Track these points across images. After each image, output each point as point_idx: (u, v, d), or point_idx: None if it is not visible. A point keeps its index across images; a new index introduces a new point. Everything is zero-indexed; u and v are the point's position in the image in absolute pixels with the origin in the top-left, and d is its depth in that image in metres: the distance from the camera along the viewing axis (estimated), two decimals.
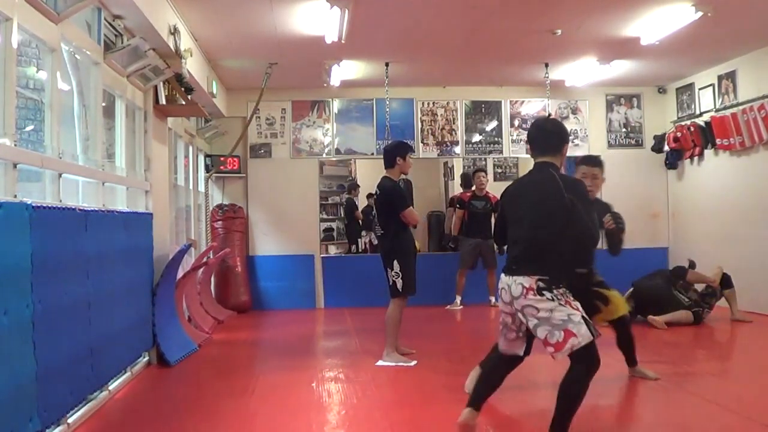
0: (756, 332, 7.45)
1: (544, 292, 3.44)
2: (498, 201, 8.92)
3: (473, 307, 9.42)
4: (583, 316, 3.44)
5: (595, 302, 4.51)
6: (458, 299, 9.43)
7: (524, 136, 10.33)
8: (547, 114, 9.81)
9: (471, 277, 9.54)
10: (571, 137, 10.20)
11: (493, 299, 9.32)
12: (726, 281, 7.83)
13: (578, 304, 3.51)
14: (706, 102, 9.37)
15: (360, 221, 12.19)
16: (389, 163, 6.01)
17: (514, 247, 3.67)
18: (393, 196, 5.89)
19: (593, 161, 5.19)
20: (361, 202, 12.27)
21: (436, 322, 8.44)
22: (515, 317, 3.59)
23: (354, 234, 12.35)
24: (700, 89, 9.50)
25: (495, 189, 11.88)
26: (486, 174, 9.35)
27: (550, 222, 3.55)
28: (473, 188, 9.57)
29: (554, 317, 3.41)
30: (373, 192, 6.32)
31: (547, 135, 3.78)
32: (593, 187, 4.96)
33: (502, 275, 3.62)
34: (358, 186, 12.25)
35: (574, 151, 10.45)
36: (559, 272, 3.52)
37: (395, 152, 6.02)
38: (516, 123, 10.34)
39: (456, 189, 11.28)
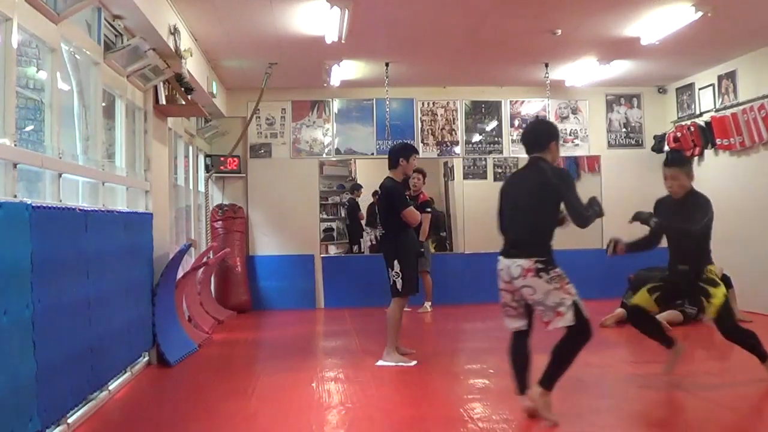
0: (757, 332, 7.43)
1: (542, 274, 3.86)
2: (426, 201, 8.94)
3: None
4: (574, 301, 3.86)
5: (700, 298, 4.87)
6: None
7: None
8: (542, 114, 9.81)
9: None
10: (571, 137, 10.37)
11: (428, 304, 9.17)
12: (725, 281, 7.80)
13: (572, 287, 3.90)
14: (706, 102, 9.37)
15: (363, 221, 12.17)
16: (393, 164, 6.03)
17: (510, 232, 4.09)
18: (394, 196, 5.90)
19: (668, 161, 5.07)
20: (364, 202, 12.24)
21: (437, 322, 8.44)
22: (514, 294, 4.00)
23: (356, 234, 12.34)
24: (700, 89, 9.50)
25: (495, 190, 11.94)
26: (422, 174, 9.14)
27: (542, 208, 3.98)
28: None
29: (548, 299, 3.86)
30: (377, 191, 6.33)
31: (535, 133, 4.22)
32: (674, 188, 4.86)
33: (501, 258, 4.02)
34: (361, 186, 12.24)
35: (574, 151, 10.48)
36: (552, 254, 3.94)
37: (399, 153, 6.04)
38: (516, 123, 10.33)
39: (456, 189, 11.27)
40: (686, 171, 4.93)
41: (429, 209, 8.81)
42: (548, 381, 3.89)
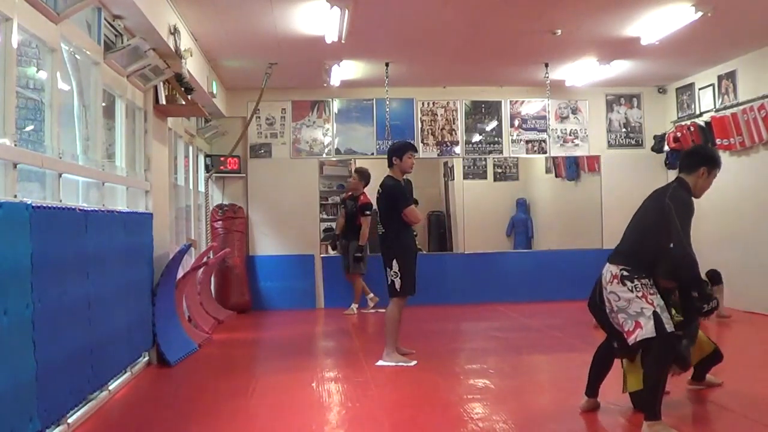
0: (756, 332, 7.45)
1: (626, 282, 3.82)
2: (367, 203, 9.02)
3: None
4: (654, 312, 3.73)
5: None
6: (355, 306, 9.24)
7: (524, 136, 10.35)
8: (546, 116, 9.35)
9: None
10: (571, 137, 10.37)
11: (354, 306, 9.18)
12: (715, 277, 7.76)
13: (656, 298, 3.79)
14: (706, 102, 9.37)
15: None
16: (388, 163, 6.05)
17: (621, 240, 4.10)
18: (395, 195, 5.89)
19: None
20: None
21: (436, 322, 8.44)
22: (605, 298, 3.97)
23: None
24: (700, 89, 9.50)
25: (495, 190, 11.98)
26: (359, 174, 9.13)
27: (651, 226, 3.93)
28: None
29: (630, 308, 3.80)
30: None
31: (690, 154, 4.20)
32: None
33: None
34: None
35: (574, 151, 10.48)
36: (645, 267, 3.84)
37: (392, 153, 6.06)
38: (516, 123, 10.33)
39: (456, 189, 11.27)
40: None
41: (368, 212, 8.88)
42: (648, 410, 3.71)
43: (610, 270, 3.93)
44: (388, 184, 5.96)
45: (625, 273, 3.84)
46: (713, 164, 4.05)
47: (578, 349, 6.39)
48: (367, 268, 9.05)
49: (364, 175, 9.18)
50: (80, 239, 4.18)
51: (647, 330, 3.71)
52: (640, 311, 3.77)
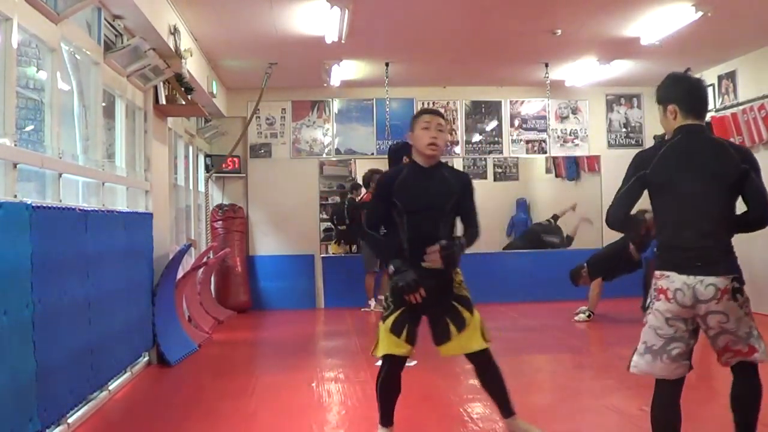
0: None
1: (737, 296, 2.89)
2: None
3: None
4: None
5: (448, 321, 3.70)
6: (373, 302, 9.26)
7: (524, 136, 10.33)
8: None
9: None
10: (571, 137, 10.37)
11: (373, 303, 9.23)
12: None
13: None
14: None
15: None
16: (397, 162, 5.99)
17: (686, 234, 2.91)
18: None
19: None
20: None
21: None
22: (689, 323, 2.90)
23: (356, 234, 12.31)
24: None
25: (495, 190, 11.97)
26: None
27: (732, 203, 3.02)
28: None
29: (740, 330, 2.90)
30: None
31: (705, 96, 3.24)
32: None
33: (672, 274, 2.87)
34: (361, 186, 12.23)
35: (574, 151, 10.48)
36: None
37: (402, 152, 6.01)
38: (516, 123, 10.33)
39: None
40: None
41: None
42: None
43: (713, 284, 2.84)
44: None
45: (737, 285, 2.92)
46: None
47: (578, 349, 6.40)
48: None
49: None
50: (80, 239, 4.18)
51: (763, 352, 2.91)
52: (749, 332, 2.93)
